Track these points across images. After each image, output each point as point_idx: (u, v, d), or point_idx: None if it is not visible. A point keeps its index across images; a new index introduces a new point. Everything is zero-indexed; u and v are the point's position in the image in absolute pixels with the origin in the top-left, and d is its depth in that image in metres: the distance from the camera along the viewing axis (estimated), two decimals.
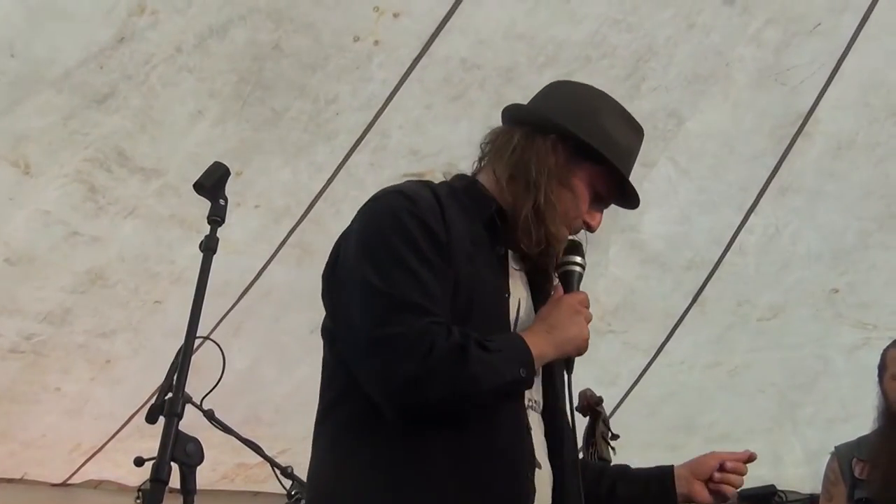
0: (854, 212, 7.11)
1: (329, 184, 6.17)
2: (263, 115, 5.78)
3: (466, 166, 6.25)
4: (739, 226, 7.05)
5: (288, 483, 5.81)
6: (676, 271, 7.21)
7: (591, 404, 5.81)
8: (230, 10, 5.39)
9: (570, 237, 3.21)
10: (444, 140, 6.21)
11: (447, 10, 5.79)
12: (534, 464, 2.97)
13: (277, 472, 5.78)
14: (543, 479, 3.00)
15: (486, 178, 3.23)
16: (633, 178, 6.18)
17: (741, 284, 7.29)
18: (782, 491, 8.15)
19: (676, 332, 7.41)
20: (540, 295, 3.23)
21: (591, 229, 3.24)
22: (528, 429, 3.00)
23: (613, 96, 3.27)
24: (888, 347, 5.58)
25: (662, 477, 3.38)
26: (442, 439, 2.81)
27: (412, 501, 2.78)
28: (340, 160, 6.12)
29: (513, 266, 3.18)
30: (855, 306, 7.51)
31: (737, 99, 6.61)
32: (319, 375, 6.66)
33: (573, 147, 3.15)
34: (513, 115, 3.31)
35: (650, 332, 7.44)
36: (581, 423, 5.98)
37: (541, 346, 2.95)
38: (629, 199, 3.31)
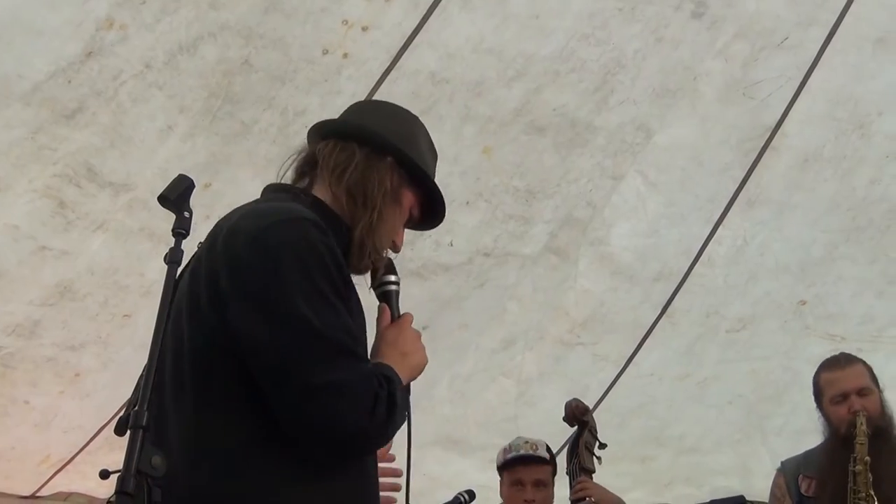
0: (821, 224, 7.17)
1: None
2: (233, 128, 5.78)
3: (438, 180, 6.28)
4: (707, 238, 7.10)
5: None
6: (645, 283, 7.24)
7: (577, 414, 5.85)
8: (200, 27, 5.41)
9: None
10: None
11: (416, 23, 5.82)
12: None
13: None
14: None
15: (324, 194, 3.21)
16: (602, 193, 6.22)
17: (710, 296, 7.33)
18: (751, 501, 8.19)
19: (646, 343, 7.44)
20: None
21: (397, 249, 3.30)
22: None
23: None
24: (817, 373, 5.62)
25: None
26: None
27: None
28: None
29: None
30: (822, 318, 7.55)
31: (705, 112, 6.66)
32: None
33: (405, 171, 3.23)
34: (337, 130, 3.32)
35: (619, 343, 7.46)
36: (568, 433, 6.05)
37: (403, 375, 3.02)
38: (431, 221, 3.43)
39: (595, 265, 7.10)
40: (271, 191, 3.27)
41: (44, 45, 5.22)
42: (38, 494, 7.18)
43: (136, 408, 2.64)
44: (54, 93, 5.34)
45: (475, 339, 7.14)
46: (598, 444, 5.97)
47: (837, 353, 5.78)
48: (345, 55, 5.73)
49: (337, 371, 2.75)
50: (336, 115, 5.87)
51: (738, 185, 6.89)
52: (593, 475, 5.94)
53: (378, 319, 3.22)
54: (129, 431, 2.74)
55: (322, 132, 3.33)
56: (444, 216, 3.41)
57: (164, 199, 3.03)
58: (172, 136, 5.68)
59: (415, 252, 6.57)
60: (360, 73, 5.84)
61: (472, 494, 5.82)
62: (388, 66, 5.86)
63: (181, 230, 2.96)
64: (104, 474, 2.85)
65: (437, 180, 3.36)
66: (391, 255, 3.30)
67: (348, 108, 3.50)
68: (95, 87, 5.39)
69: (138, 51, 5.38)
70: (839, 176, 6.99)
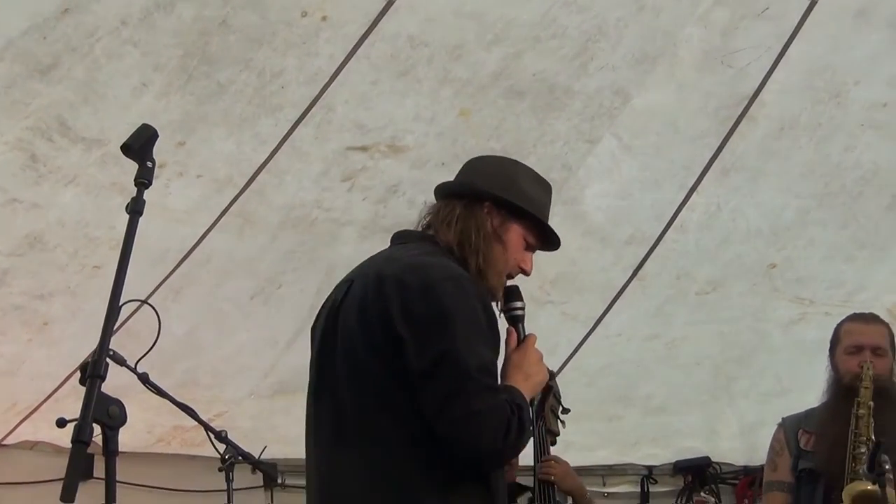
0: (794, 190, 7.17)
1: (273, 156, 6.13)
2: (208, 88, 5.72)
3: (412, 140, 6.28)
4: (681, 204, 7.08)
5: (222, 447, 5.83)
6: (617, 245, 7.23)
7: None
8: None
9: (509, 283, 3.88)
10: (390, 115, 6.22)
11: None
12: None
13: (211, 435, 5.80)
14: None
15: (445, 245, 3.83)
16: (577, 156, 6.23)
17: (681, 259, 7.34)
18: (716, 463, 8.27)
19: (615, 304, 7.44)
20: None
21: (526, 273, 3.90)
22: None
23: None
24: (843, 321, 5.70)
25: None
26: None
27: None
28: (285, 133, 6.07)
29: None
30: (792, 281, 7.58)
31: (683, 79, 6.63)
32: (257, 340, 6.68)
33: (505, 210, 3.83)
34: (446, 190, 3.98)
35: (589, 303, 7.47)
36: None
37: (527, 394, 3.61)
38: (552, 242, 3.98)
39: (568, 224, 7.06)
40: (416, 238, 3.89)
41: (20, 0, 5.17)
42: (3, 442, 7.16)
43: (96, 357, 2.88)
44: (29, 48, 5.27)
45: None
46: (561, 408, 6.01)
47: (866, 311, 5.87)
48: (323, 18, 5.67)
49: (480, 403, 3.37)
50: (313, 77, 5.90)
51: (713, 153, 6.87)
52: (557, 437, 5.98)
53: (506, 341, 3.76)
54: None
55: (437, 193, 4.00)
56: (557, 240, 3.98)
57: (126, 149, 3.14)
58: (147, 93, 5.62)
59: (388, 210, 6.55)
60: (338, 36, 5.79)
61: None
62: (367, 29, 5.81)
63: (143, 180, 3.11)
64: (61, 422, 3.17)
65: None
66: (522, 277, 3.91)
67: (461, 168, 4.09)
68: (70, 44, 5.32)
69: (114, 7, 5.31)
70: (814, 143, 6.99)
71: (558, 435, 6.00)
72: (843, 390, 5.47)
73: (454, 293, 3.51)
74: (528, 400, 3.58)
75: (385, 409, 3.51)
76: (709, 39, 6.47)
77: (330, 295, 3.86)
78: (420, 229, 3.92)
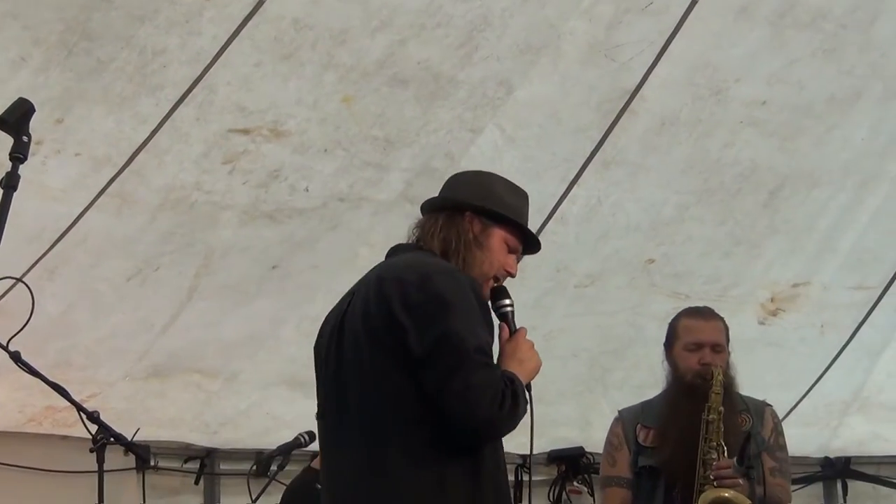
0: (673, 186, 7.26)
1: (153, 135, 6.06)
2: (88, 65, 5.65)
3: (294, 125, 6.24)
4: (562, 196, 7.12)
5: (94, 428, 5.77)
6: None
7: None
8: None
9: (497, 284, 4.09)
10: (272, 98, 6.19)
11: None
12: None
13: (83, 416, 5.74)
14: None
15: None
16: (460, 145, 6.23)
17: (560, 252, 7.37)
18: (590, 453, 8.30)
19: None
20: None
21: (511, 275, 4.13)
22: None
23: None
24: (678, 317, 5.64)
25: None
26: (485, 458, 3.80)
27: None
28: (165, 112, 6.01)
29: None
30: (669, 276, 7.67)
31: (566, 71, 6.68)
32: (132, 322, 6.59)
33: (485, 217, 4.06)
34: (430, 205, 4.18)
35: None
36: None
37: (522, 378, 3.86)
38: (533, 245, 4.22)
39: None
40: (409, 249, 4.08)
41: None
42: None
43: None
44: None
45: (326, 282, 7.10)
46: None
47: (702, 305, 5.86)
48: None
49: (476, 378, 3.61)
50: (195, 57, 5.85)
51: (594, 146, 6.93)
52: None
53: (499, 335, 4.00)
54: None
55: (422, 210, 4.20)
56: (537, 242, 4.24)
57: (2, 122, 3.08)
58: (25, 67, 5.53)
59: (269, 195, 6.52)
60: (222, 16, 5.75)
61: (312, 435, 5.84)
62: (252, 10, 5.77)
63: (19, 154, 3.07)
64: None
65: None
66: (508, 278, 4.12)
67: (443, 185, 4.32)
68: None
69: None
70: (694, 139, 7.09)
71: None
72: (685, 388, 5.43)
73: (449, 282, 3.78)
74: (524, 382, 3.86)
75: (397, 410, 3.75)
76: (593, 33, 6.53)
77: (333, 309, 4.09)
78: (412, 242, 4.13)
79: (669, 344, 5.59)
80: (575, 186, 7.09)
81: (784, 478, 5.65)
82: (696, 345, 5.47)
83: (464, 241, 4.01)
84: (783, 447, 5.69)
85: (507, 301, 4.09)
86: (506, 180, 4.26)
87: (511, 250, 4.11)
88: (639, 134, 6.92)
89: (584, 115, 6.81)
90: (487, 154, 6.85)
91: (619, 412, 5.84)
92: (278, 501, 6.71)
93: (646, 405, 5.76)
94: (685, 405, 5.38)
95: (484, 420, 3.65)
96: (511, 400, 3.66)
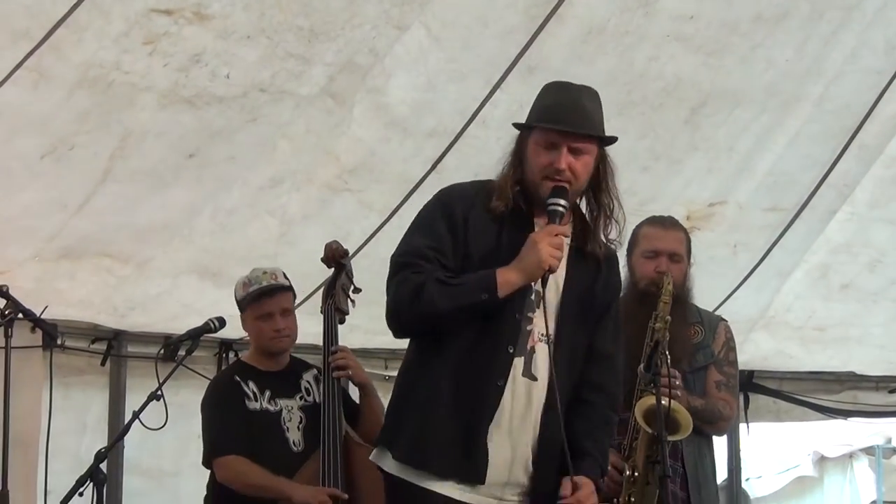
0: None
1: (73, 10, 5.94)
2: None
3: (218, 9, 6.18)
4: (485, 99, 7.10)
5: (1, 303, 5.74)
6: (418, 137, 7.23)
7: (335, 256, 5.92)
8: None
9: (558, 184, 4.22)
10: None
11: None
12: (506, 376, 4.21)
13: None
14: (525, 390, 4.26)
15: None
16: (385, 41, 6.11)
17: (481, 156, 7.34)
18: None
19: (412, 196, 7.43)
20: None
21: (558, 171, 4.20)
22: (509, 349, 4.22)
23: None
24: (641, 224, 5.65)
25: None
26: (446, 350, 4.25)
27: (422, 390, 4.29)
28: None
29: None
30: None
31: None
32: (44, 202, 6.51)
33: (524, 133, 4.37)
34: None
35: (386, 194, 7.44)
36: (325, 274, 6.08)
37: (506, 274, 4.14)
38: (559, 124, 4.24)
39: (370, 114, 7.05)
40: None
41: None
42: None
43: None
44: None
45: (243, 174, 7.07)
46: (353, 287, 6.04)
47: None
48: None
49: (389, 279, 4.25)
50: None
51: (520, 50, 6.90)
52: (346, 316, 6.01)
53: None
54: None
55: None
56: (562, 120, 4.25)
57: None
58: None
59: (189, 80, 6.42)
60: None
61: (221, 321, 5.84)
62: None
63: None
64: None
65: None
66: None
67: None
68: None
69: None
70: (619, 51, 7.08)
71: (347, 314, 6.06)
72: (638, 294, 5.48)
73: (429, 201, 4.46)
74: (508, 280, 4.15)
75: None
76: None
77: None
78: None
79: (630, 250, 5.63)
80: (497, 91, 7.06)
81: (730, 392, 5.74)
82: (653, 252, 5.55)
83: (510, 161, 4.35)
84: (733, 363, 5.81)
85: (553, 200, 4.19)
86: (557, 83, 4.42)
87: (549, 147, 4.23)
88: (565, 41, 6.89)
89: (510, 18, 6.77)
90: (412, 53, 6.82)
91: None
92: (184, 387, 6.73)
93: None
94: (635, 310, 5.37)
95: (391, 314, 4.25)
96: (406, 291, 4.16)
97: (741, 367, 7.20)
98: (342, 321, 6.00)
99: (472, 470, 4.18)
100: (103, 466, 5.39)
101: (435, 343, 4.26)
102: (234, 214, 7.29)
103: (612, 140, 4.43)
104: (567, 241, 4.28)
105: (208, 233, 7.22)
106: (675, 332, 5.29)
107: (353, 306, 6.02)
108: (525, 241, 4.18)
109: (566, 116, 4.24)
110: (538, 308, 4.24)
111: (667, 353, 5.21)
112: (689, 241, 5.70)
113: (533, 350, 4.26)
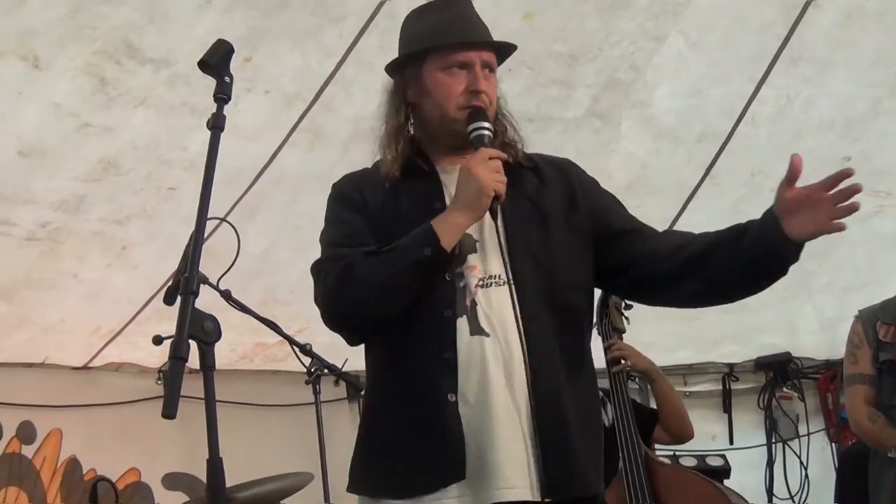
0: (864, 79, 7.05)
1: (339, 68, 6.13)
2: (271, 1, 5.74)
3: None
4: (751, 97, 7.00)
5: (307, 360, 5.89)
6: (688, 144, 7.19)
7: None
8: None
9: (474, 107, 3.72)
10: None
11: None
12: (453, 346, 3.52)
13: (296, 349, 5.86)
14: (485, 344, 3.53)
15: None
16: (644, 55, 6.09)
17: (754, 155, 7.26)
18: (797, 358, 8.24)
19: (690, 204, 7.39)
20: None
21: (478, 90, 3.74)
22: (446, 313, 3.56)
23: None
24: None
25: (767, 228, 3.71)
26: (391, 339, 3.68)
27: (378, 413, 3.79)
28: (349, 43, 6.07)
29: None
30: (868, 174, 7.44)
31: None
32: None
33: (407, 70, 3.86)
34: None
35: (663, 205, 7.41)
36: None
37: (446, 219, 3.54)
38: (455, 37, 3.77)
39: (638, 127, 7.05)
40: None
41: None
42: (89, 365, 7.31)
43: (186, 274, 2.95)
44: None
45: None
46: (624, 304, 6.06)
47: None
48: None
49: (314, 272, 3.80)
50: None
51: (780, 43, 6.78)
52: (624, 334, 6.03)
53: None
54: (179, 298, 2.88)
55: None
56: (455, 32, 3.77)
57: (204, 65, 3.18)
58: (211, 9, 5.63)
59: None
60: None
61: None
62: None
63: (223, 95, 3.14)
64: (157, 340, 3.57)
65: None
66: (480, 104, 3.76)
67: None
68: None
69: None
70: (883, 30, 6.87)
71: (624, 332, 6.07)
72: None
73: (327, 202, 3.99)
74: (452, 223, 3.55)
75: None
76: None
77: None
78: None
79: None
80: (763, 86, 6.95)
81: None
82: None
83: (388, 112, 3.88)
84: None
85: (475, 125, 3.69)
86: (428, 5, 3.93)
87: (460, 67, 3.75)
88: (825, 27, 6.74)
89: (767, 13, 6.66)
90: (673, 62, 6.78)
91: (859, 311, 5.91)
92: None
93: (885, 303, 5.82)
94: None
95: (322, 312, 3.73)
96: (333, 276, 3.64)
97: None
98: (620, 339, 6.07)
99: (454, 464, 3.47)
100: None
101: (381, 351, 3.77)
102: None
103: (512, 49, 4.00)
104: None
105: None
106: None
107: (629, 323, 6.05)
108: (437, 194, 3.70)
109: (471, 29, 3.81)
110: (476, 252, 3.65)
111: None
112: None
113: (475, 302, 3.57)
